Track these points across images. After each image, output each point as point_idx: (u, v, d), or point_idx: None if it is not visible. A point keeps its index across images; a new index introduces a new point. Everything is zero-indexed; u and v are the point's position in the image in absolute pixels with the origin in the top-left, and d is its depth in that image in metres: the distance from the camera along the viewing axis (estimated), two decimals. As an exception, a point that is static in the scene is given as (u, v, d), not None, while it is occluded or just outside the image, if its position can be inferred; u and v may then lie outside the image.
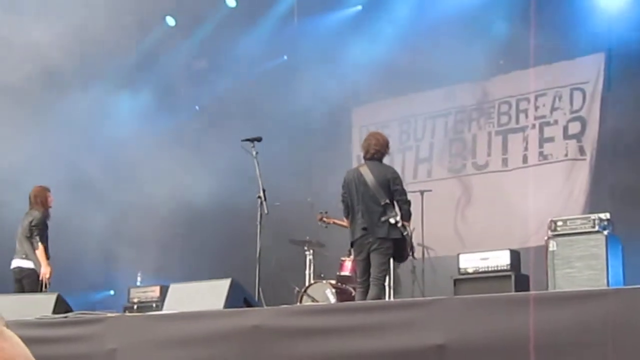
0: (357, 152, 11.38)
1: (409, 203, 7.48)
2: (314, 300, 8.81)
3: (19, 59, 9.85)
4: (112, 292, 12.47)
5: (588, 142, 10.33)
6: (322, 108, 11.36)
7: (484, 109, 11.42)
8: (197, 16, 12.18)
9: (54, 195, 9.18)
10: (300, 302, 8.86)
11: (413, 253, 7.71)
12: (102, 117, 11.80)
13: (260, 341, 4.90)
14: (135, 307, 10.44)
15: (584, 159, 10.33)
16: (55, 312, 6.34)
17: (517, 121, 11.07)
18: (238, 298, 5.84)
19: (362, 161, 7.81)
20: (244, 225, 9.23)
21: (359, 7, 12.04)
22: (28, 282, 8.72)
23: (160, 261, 11.59)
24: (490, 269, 8.11)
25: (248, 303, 5.92)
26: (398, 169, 8.42)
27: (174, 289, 6.34)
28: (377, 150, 7.54)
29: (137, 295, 10.83)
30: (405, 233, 7.32)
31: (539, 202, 9.92)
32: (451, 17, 10.73)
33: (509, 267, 8.04)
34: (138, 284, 11.36)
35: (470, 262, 8.25)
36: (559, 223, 7.56)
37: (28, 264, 8.82)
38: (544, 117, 10.81)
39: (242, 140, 7.85)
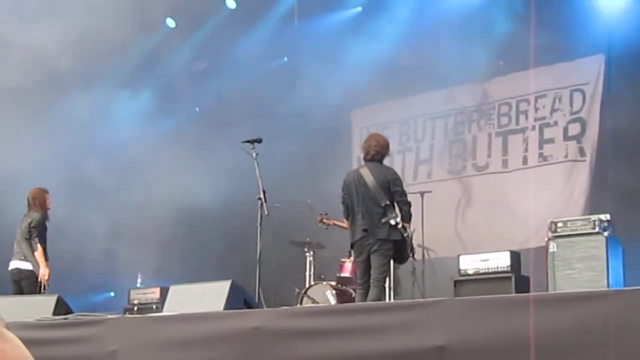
0: (357, 154, 11.38)
1: (409, 204, 7.46)
2: (314, 301, 8.80)
3: (19, 59, 9.85)
4: (112, 294, 12.47)
5: (588, 144, 10.33)
6: (322, 109, 11.37)
7: (484, 110, 11.42)
8: (197, 17, 12.17)
9: (54, 196, 9.17)
10: (301, 303, 8.85)
11: (413, 254, 7.69)
12: (102, 118, 11.79)
13: (261, 343, 4.90)
14: (135, 308, 10.42)
15: (584, 160, 10.33)
16: (55, 313, 6.35)
17: (517, 122, 11.07)
18: (238, 299, 5.84)
19: (362, 162, 7.80)
20: (244, 227, 9.23)
21: (359, 9, 12.03)
22: (27, 284, 8.69)
23: (161, 262, 11.57)
24: (490, 270, 8.09)
25: (248, 304, 5.92)
26: (398, 170, 8.40)
27: (174, 290, 6.34)
28: (377, 152, 7.53)
29: (137, 296, 10.80)
30: (405, 234, 7.31)
31: (539, 203, 9.91)
32: (451, 18, 10.74)
33: (509, 268, 8.02)
34: (138, 285, 11.34)
35: (470, 263, 8.24)
36: (559, 224, 7.54)
37: (26, 266, 8.79)
38: (544, 118, 10.81)
39: (242, 142, 7.82)
